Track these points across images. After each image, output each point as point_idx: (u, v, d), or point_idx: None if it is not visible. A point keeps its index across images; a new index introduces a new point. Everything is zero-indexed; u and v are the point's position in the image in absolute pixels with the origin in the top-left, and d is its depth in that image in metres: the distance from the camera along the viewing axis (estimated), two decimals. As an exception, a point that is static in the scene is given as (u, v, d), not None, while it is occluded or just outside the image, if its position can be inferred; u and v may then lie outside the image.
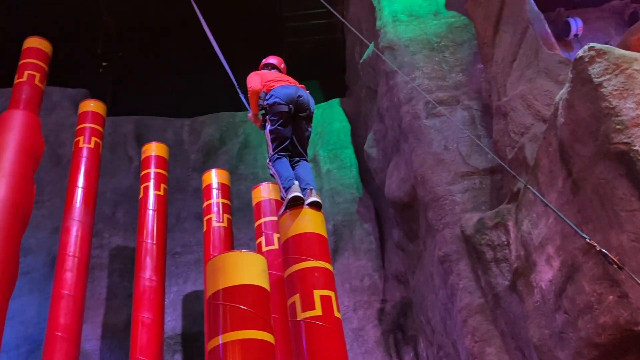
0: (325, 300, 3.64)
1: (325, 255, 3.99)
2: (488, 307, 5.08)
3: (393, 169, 6.82)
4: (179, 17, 10.91)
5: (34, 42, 6.63)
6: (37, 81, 6.40)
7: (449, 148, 5.93)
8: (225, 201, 6.76)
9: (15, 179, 5.53)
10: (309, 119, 4.83)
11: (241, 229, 8.03)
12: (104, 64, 10.93)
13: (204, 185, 6.96)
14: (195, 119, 9.62)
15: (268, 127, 4.71)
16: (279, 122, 4.64)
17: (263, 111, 4.84)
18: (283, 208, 4.39)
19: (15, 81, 6.39)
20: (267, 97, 4.72)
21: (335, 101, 9.66)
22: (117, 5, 10.67)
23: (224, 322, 3.04)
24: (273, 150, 4.66)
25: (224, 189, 6.86)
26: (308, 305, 3.62)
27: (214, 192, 6.73)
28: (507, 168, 3.64)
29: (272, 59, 5.53)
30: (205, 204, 6.77)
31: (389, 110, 7.00)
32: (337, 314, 3.68)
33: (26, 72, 6.37)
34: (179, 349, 7.26)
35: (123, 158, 8.83)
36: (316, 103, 5.35)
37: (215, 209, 6.61)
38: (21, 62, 6.50)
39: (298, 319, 3.63)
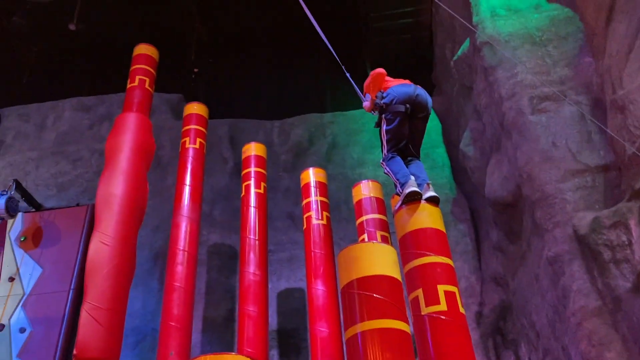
0: (449, 295, 3.60)
1: (445, 251, 3.94)
2: (606, 310, 4.83)
3: (493, 167, 6.64)
4: (266, 25, 11.24)
5: (143, 49, 7.01)
6: (147, 85, 6.78)
7: (557, 145, 5.70)
8: (323, 199, 6.85)
9: (132, 176, 5.89)
10: (425, 119, 4.77)
11: (332, 228, 8.08)
12: (195, 70, 11.40)
13: (302, 183, 7.08)
14: (284, 121, 9.81)
15: (384, 126, 4.69)
16: (395, 122, 4.61)
17: (379, 110, 4.82)
18: (399, 203, 4.37)
19: (128, 86, 6.80)
20: (385, 94, 4.70)
21: (424, 100, 9.52)
22: (209, 14, 11.13)
23: (361, 310, 3.09)
24: (387, 149, 4.64)
25: (322, 187, 6.96)
26: (432, 300, 3.59)
27: (312, 190, 6.84)
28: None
29: None
30: (305, 202, 6.88)
31: (488, 107, 6.82)
32: (461, 310, 3.63)
33: (137, 77, 6.76)
34: (275, 344, 7.40)
35: (218, 159, 9.15)
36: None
37: (314, 206, 6.71)
38: (132, 67, 6.90)
39: (422, 313, 3.60)
